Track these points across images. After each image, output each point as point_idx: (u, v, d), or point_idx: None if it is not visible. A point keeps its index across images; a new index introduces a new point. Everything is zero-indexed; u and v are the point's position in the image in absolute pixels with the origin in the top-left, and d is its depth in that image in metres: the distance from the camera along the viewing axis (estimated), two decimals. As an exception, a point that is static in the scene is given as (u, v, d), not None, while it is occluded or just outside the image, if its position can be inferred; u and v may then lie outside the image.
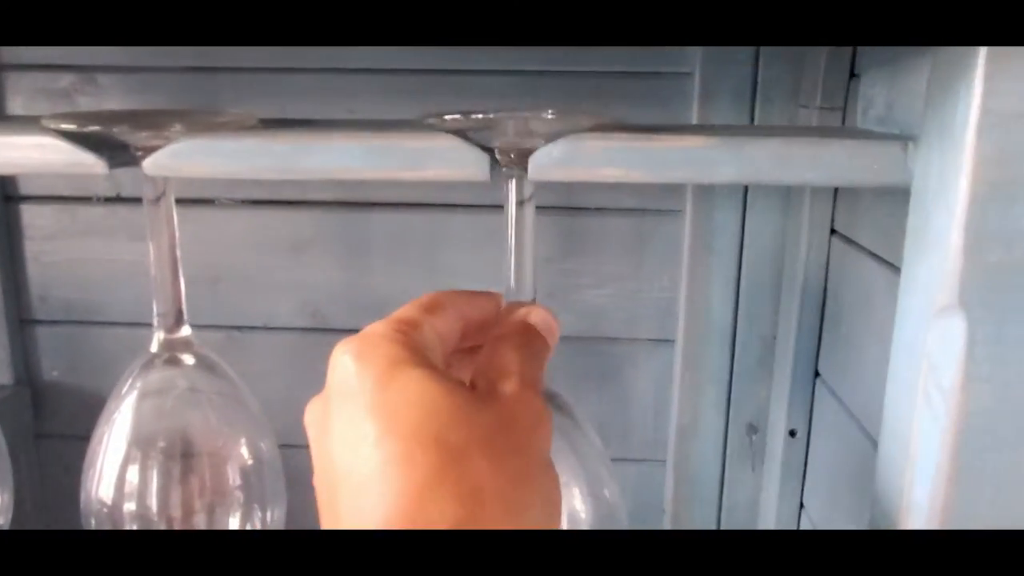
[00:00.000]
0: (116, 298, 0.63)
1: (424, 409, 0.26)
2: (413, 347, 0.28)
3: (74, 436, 0.65)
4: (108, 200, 0.61)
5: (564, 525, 0.37)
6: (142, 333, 0.62)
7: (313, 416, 0.30)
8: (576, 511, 0.35)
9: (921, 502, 0.28)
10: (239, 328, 0.62)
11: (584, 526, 0.36)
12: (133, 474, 0.39)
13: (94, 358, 0.64)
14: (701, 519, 0.61)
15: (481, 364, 0.31)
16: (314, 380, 0.54)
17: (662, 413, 0.61)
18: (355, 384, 0.27)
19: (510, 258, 0.36)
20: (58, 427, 0.65)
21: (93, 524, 0.39)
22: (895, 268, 0.42)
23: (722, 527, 0.61)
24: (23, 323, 0.64)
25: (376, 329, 0.29)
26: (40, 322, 0.64)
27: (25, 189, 0.62)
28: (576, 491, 0.35)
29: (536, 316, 0.33)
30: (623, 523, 0.37)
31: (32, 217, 0.62)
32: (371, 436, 0.26)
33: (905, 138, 0.32)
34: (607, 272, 0.59)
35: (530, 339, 0.32)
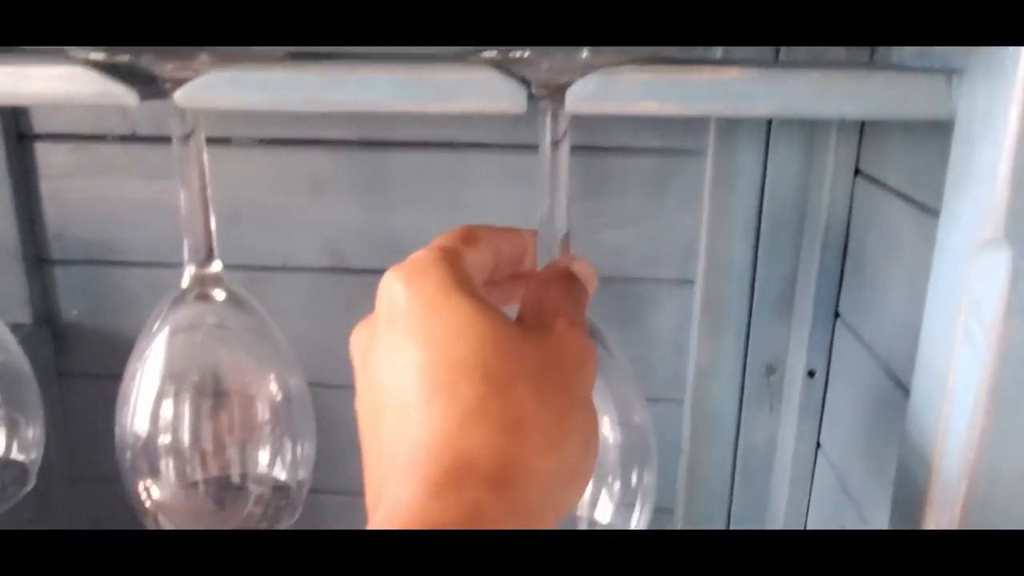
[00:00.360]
0: (134, 237, 0.62)
1: (472, 340, 0.26)
2: (461, 275, 0.29)
3: (95, 375, 0.66)
4: (124, 138, 0.60)
5: (605, 448, 0.37)
6: (160, 272, 0.63)
7: (359, 340, 0.30)
8: (606, 436, 0.36)
9: (958, 433, 0.28)
10: (258, 268, 0.62)
11: (615, 451, 0.36)
12: (167, 408, 0.39)
13: (113, 297, 0.64)
14: (717, 459, 0.62)
15: (529, 301, 0.31)
16: (334, 320, 0.54)
17: (681, 353, 0.61)
18: (404, 311, 0.28)
19: (543, 197, 0.36)
20: (79, 366, 0.66)
21: (128, 458, 0.40)
22: (924, 207, 0.41)
23: (738, 467, 0.62)
24: (41, 262, 0.64)
25: (425, 256, 0.29)
26: (58, 261, 0.64)
27: (39, 127, 0.61)
28: (607, 417, 0.36)
29: (579, 265, 0.34)
30: (652, 449, 0.38)
31: (47, 155, 0.62)
32: (418, 363, 0.26)
33: (948, 70, 0.31)
34: (628, 212, 0.59)
35: (574, 284, 0.33)
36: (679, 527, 0.64)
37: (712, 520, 0.63)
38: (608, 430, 0.36)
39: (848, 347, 0.53)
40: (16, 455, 0.43)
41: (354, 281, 0.61)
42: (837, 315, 0.54)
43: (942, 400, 0.29)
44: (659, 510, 0.64)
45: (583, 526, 0.37)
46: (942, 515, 0.29)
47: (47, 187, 0.62)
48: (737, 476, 0.62)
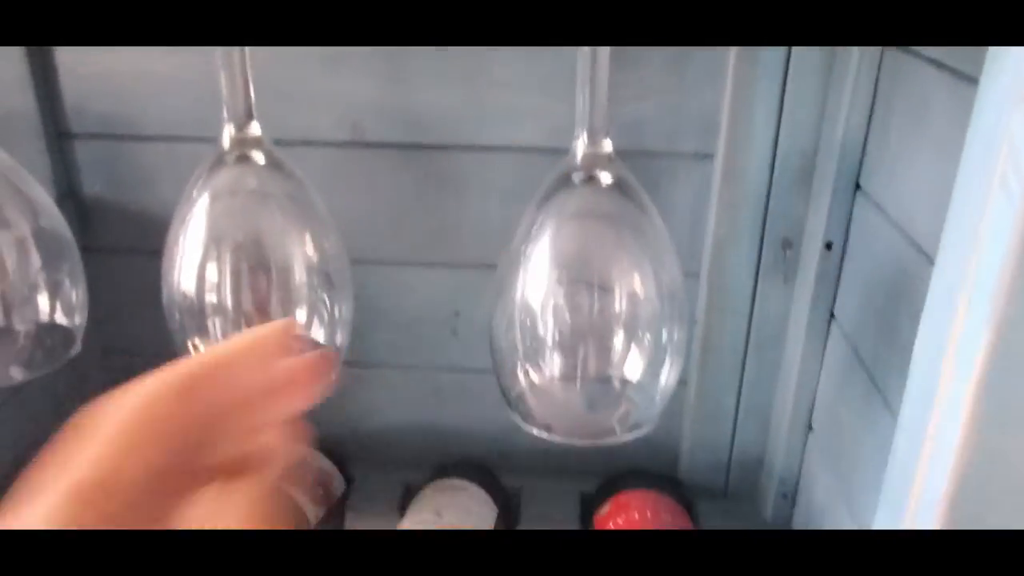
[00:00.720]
0: (153, 111, 0.62)
1: None
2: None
3: (119, 249, 0.67)
4: (138, 9, 0.59)
5: (637, 303, 0.38)
6: (181, 147, 0.63)
7: None
8: (637, 291, 0.37)
9: (986, 281, 0.29)
10: (277, 142, 0.62)
11: (649, 304, 0.37)
12: (212, 270, 0.40)
13: (133, 172, 0.65)
14: (731, 330, 0.64)
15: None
16: (355, 194, 0.53)
17: (698, 226, 0.62)
18: None
19: (584, 69, 0.36)
20: (103, 241, 0.66)
21: (177, 317, 0.41)
22: (958, 73, 0.41)
23: (752, 338, 0.64)
24: (61, 137, 0.64)
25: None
26: (78, 136, 0.64)
27: (51, -3, 0.60)
28: (637, 275, 0.37)
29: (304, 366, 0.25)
30: (684, 303, 0.39)
31: (60, 27, 0.61)
32: None
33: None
34: (649, 85, 0.58)
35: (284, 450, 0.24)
36: (692, 397, 0.66)
37: (724, 390, 0.66)
38: (640, 287, 0.37)
39: (868, 219, 0.53)
40: (61, 319, 0.45)
41: (373, 155, 0.61)
42: (858, 187, 0.55)
43: (971, 251, 0.30)
44: (673, 381, 0.66)
45: (616, 384, 0.39)
46: (964, 360, 0.31)
47: (64, 59, 0.61)
48: (750, 346, 0.64)
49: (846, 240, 0.56)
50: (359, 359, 0.68)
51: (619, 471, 0.68)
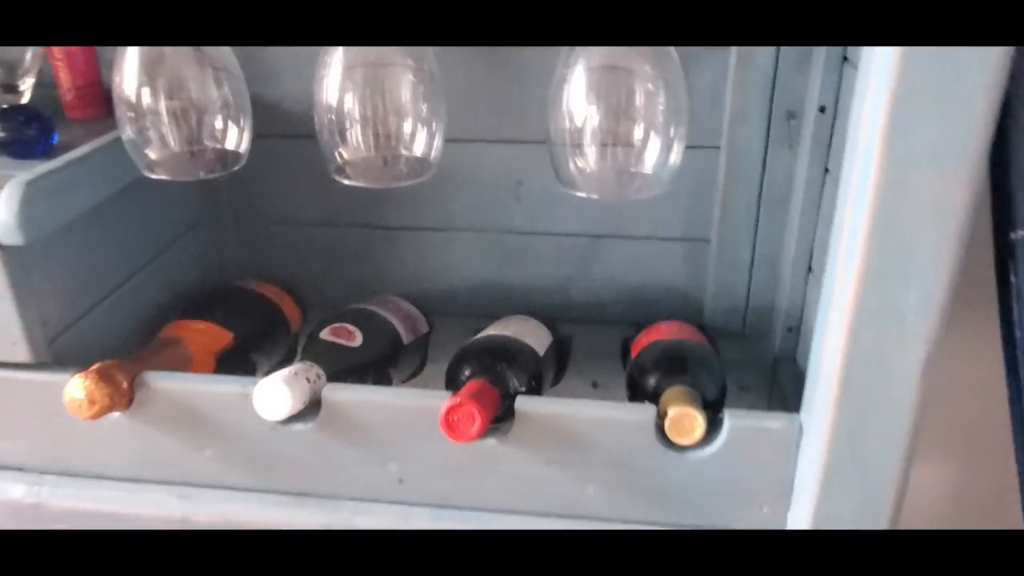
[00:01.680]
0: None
1: None
2: None
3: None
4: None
5: (653, 106, 0.52)
6: (302, 47, 0.78)
7: None
8: (653, 97, 0.51)
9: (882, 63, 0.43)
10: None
11: (660, 106, 0.51)
12: (348, 97, 0.56)
13: (262, 68, 0.80)
14: (746, 193, 0.77)
15: None
16: (455, 92, 0.67)
17: (717, 105, 0.75)
18: None
19: None
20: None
21: (325, 136, 0.56)
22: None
23: (763, 199, 0.77)
24: (205, 42, 0.80)
25: None
26: (218, 41, 0.80)
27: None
28: (652, 85, 0.51)
29: None
30: (685, 106, 0.53)
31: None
32: None
33: None
34: (676, -15, 0.72)
35: None
36: (714, 253, 0.79)
37: (741, 245, 0.79)
38: (654, 94, 0.51)
39: (853, 84, 0.66)
40: (232, 143, 0.61)
41: (448, 47, 0.76)
42: (845, 59, 0.68)
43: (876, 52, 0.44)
44: (697, 240, 0.80)
45: (635, 162, 0.53)
46: (871, 114, 0.44)
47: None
48: (762, 206, 0.77)
49: (836, 104, 0.69)
50: (438, 224, 0.83)
51: (654, 318, 0.81)
